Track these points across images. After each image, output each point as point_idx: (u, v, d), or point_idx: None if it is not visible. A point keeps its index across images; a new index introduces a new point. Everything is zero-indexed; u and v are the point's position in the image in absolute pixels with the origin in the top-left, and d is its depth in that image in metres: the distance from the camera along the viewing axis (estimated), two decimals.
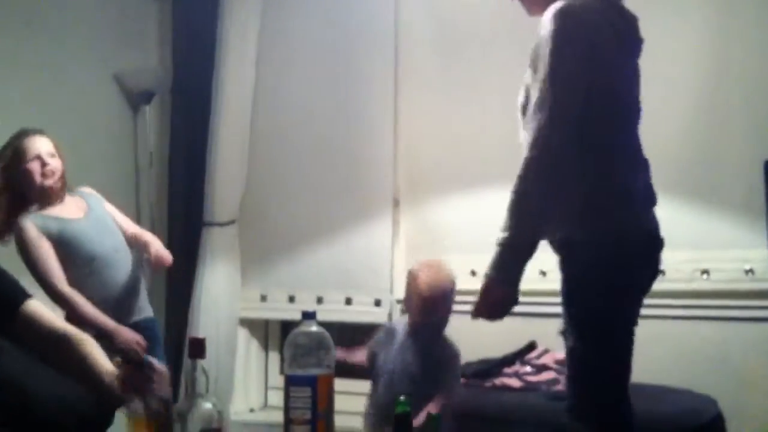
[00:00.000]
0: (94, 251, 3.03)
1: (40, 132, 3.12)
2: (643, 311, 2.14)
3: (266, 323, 4.34)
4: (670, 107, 3.25)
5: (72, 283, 2.94)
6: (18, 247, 2.97)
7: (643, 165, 2.16)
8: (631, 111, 2.13)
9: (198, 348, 1.65)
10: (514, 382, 3.09)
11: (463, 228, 3.72)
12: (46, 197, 3.05)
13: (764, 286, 2.95)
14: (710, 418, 2.74)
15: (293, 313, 3.70)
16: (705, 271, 3.27)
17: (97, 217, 3.15)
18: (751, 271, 3.19)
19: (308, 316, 1.88)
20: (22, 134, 3.07)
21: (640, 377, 3.00)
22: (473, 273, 3.69)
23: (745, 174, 3.12)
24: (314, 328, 1.86)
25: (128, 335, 2.90)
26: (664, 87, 3.29)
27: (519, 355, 3.25)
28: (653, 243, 2.11)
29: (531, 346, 3.28)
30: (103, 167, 4.03)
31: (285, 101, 4.14)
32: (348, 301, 3.93)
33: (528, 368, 3.15)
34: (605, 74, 2.02)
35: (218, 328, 3.97)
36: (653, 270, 2.13)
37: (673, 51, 3.30)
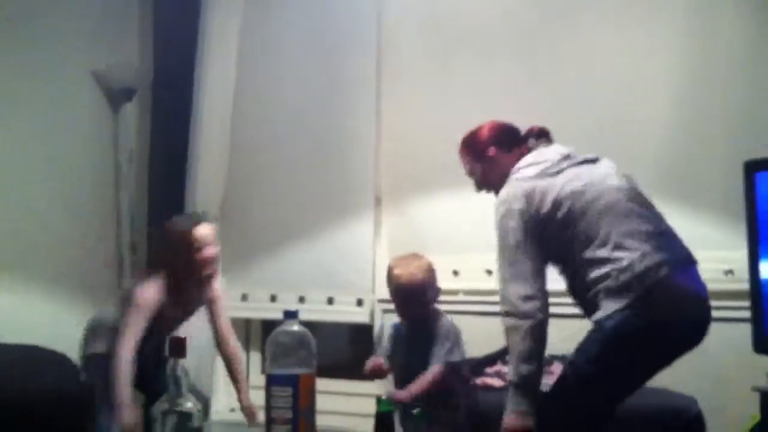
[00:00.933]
0: None
1: (206, 218, 3.21)
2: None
3: (248, 322, 4.32)
4: (651, 109, 3.27)
5: None
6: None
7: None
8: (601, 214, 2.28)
9: (179, 347, 1.64)
10: (496, 382, 3.10)
11: (446, 227, 3.72)
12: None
13: (743, 286, 2.96)
14: (691, 417, 2.76)
15: (275, 313, 3.69)
16: (729, 272, 3.27)
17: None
18: (730, 271, 3.21)
19: (290, 315, 1.88)
20: (194, 220, 3.14)
21: None
22: (455, 273, 3.71)
23: (725, 175, 3.14)
24: (296, 327, 1.86)
25: (125, 418, 2.85)
26: (644, 89, 3.31)
27: (501, 355, 3.25)
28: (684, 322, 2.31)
29: None
30: (83, 164, 4.01)
31: (266, 99, 4.13)
32: (330, 301, 3.92)
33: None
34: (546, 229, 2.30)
35: (199, 327, 3.94)
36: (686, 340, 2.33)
37: (653, 54, 3.33)
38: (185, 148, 4.07)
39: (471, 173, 2.62)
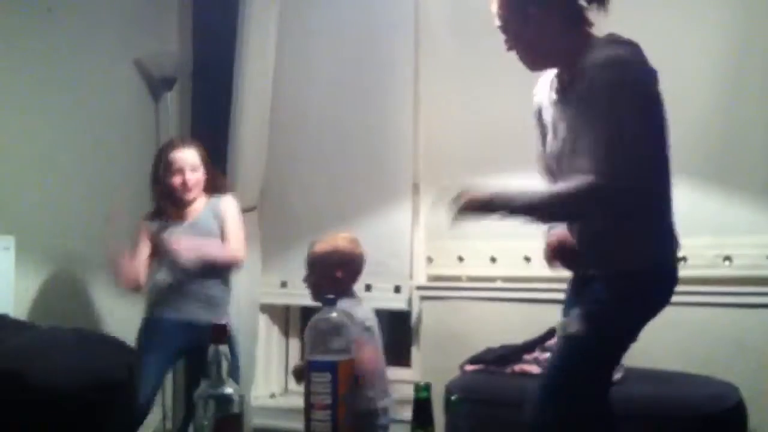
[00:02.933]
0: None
1: (187, 143, 3.42)
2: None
3: (287, 309, 4.36)
4: (691, 93, 3.22)
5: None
6: None
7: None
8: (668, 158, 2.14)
9: (220, 333, 1.67)
10: (535, 369, 3.09)
11: None
12: (179, 207, 3.37)
13: None
14: (733, 404, 2.73)
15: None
16: (727, 258, 3.24)
17: (194, 223, 3.38)
18: None
19: (329, 302, 1.89)
20: (174, 143, 3.42)
21: (661, 363, 3.01)
22: (493, 259, 3.70)
23: (765, 158, 3.09)
24: (334, 314, 1.87)
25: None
26: (685, 73, 3.26)
27: (539, 342, 3.24)
28: (674, 285, 2.16)
29: (551, 333, 3.26)
30: (125, 153, 4.06)
31: (305, 87, 4.14)
32: (368, 288, 3.93)
33: (548, 355, 3.14)
34: (658, 120, 2.06)
35: (239, 314, 3.99)
36: (665, 299, 2.16)
37: (691, 35, 3.27)
38: (225, 136, 4.11)
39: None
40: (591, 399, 2.12)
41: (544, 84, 2.29)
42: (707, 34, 3.26)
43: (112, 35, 4.06)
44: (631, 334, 2.13)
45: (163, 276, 3.32)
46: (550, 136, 2.22)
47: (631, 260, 2.08)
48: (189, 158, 3.38)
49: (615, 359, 2.21)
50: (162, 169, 3.36)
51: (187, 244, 3.21)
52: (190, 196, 3.38)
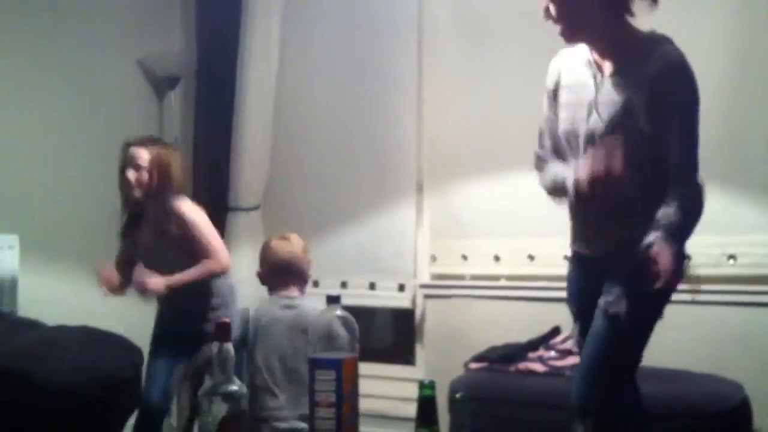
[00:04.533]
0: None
1: (144, 142, 3.25)
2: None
3: None
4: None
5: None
6: None
7: None
8: None
9: (223, 331, 1.67)
10: (539, 367, 3.09)
11: (487, 213, 3.71)
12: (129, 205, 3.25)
13: None
14: (737, 403, 2.72)
15: (317, 298, 3.72)
16: (732, 256, 3.24)
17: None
18: None
19: (333, 300, 1.89)
20: (136, 140, 3.27)
21: (666, 362, 3.01)
22: (497, 258, 3.70)
23: None
24: (339, 312, 1.87)
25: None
26: None
27: (543, 340, 3.24)
28: None
29: (555, 331, 3.28)
30: None
31: (308, 86, 4.15)
32: (372, 286, 3.94)
33: (552, 353, 3.15)
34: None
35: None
36: None
37: (698, 36, 3.26)
38: (229, 135, 4.11)
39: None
40: (635, 381, 2.13)
41: (570, 62, 2.28)
42: (711, 34, 3.26)
43: (115, 35, 4.07)
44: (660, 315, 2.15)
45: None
46: (576, 114, 2.21)
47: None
48: (142, 156, 3.19)
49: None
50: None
51: (157, 281, 3.10)
52: (136, 195, 3.18)
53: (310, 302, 2.96)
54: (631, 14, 2.17)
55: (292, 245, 3.06)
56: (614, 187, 2.04)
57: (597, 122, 2.16)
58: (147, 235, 3.23)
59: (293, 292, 3.00)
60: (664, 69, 2.08)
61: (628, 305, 2.08)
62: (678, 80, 2.10)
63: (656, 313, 2.12)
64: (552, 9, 2.16)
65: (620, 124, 2.11)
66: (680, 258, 2.04)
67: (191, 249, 3.15)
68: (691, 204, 2.11)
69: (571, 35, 2.19)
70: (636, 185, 2.07)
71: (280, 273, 3.02)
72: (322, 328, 1.87)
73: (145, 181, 3.16)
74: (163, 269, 3.12)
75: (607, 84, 2.17)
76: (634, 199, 2.11)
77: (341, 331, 1.85)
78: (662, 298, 2.10)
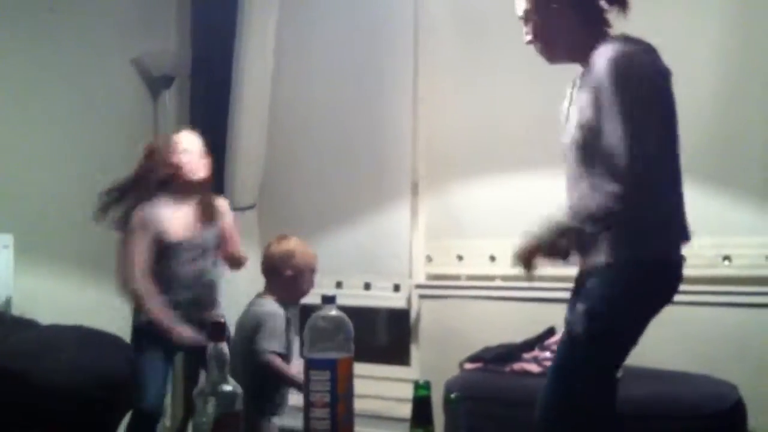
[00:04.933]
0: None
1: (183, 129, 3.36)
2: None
3: None
4: (692, 93, 3.21)
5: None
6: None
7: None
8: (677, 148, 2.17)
9: (218, 331, 1.66)
10: (534, 367, 3.09)
11: (483, 213, 3.72)
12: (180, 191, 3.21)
13: None
14: (731, 404, 2.73)
15: (312, 297, 3.71)
16: (727, 257, 3.25)
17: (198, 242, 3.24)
18: None
19: (328, 300, 1.88)
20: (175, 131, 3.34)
21: (661, 362, 3.01)
22: (492, 258, 3.70)
23: (765, 159, 3.09)
24: (334, 312, 1.87)
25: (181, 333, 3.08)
26: (685, 73, 3.24)
27: (538, 341, 3.24)
28: (677, 280, 2.15)
29: (550, 332, 3.28)
30: (123, 151, 4.04)
31: (304, 85, 4.14)
32: (367, 286, 3.94)
33: (547, 353, 3.15)
34: (665, 116, 2.10)
35: (238, 311, 3.99)
36: (670, 295, 2.15)
37: (695, 36, 3.27)
38: (224, 134, 4.11)
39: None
40: (593, 400, 2.11)
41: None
42: (708, 36, 3.26)
43: (111, 34, 4.07)
44: (633, 331, 2.12)
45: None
46: (564, 129, 2.26)
47: (634, 251, 2.07)
48: (197, 143, 3.26)
49: (619, 357, 2.18)
50: (165, 150, 3.22)
51: (193, 337, 3.12)
52: (198, 176, 3.21)
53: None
54: (608, 26, 2.21)
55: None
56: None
57: (567, 135, 2.21)
58: (186, 223, 3.20)
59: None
60: (600, 66, 2.06)
61: (587, 325, 2.10)
62: (610, 73, 2.03)
63: (618, 333, 2.10)
64: (530, 35, 2.24)
65: (579, 134, 2.12)
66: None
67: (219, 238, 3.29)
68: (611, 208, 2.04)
69: (550, 57, 2.25)
70: (607, 195, 2.05)
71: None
72: (317, 328, 1.87)
73: (205, 165, 3.21)
74: (201, 259, 3.21)
75: (575, 96, 2.21)
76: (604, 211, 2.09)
77: (336, 332, 1.85)
78: (627, 318, 2.08)
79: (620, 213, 2.03)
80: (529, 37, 2.25)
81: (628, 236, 2.07)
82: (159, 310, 3.11)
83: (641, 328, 2.12)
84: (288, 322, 3.06)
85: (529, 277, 2.20)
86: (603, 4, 2.20)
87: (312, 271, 3.16)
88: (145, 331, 3.18)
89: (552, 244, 2.15)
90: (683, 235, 2.16)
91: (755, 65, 3.21)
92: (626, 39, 2.13)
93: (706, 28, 3.27)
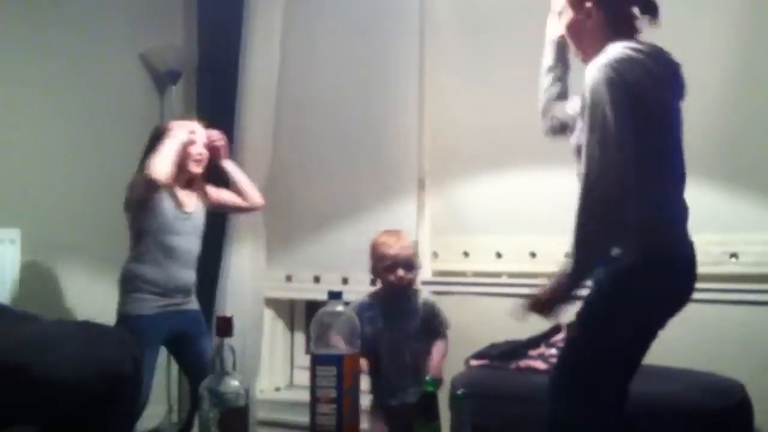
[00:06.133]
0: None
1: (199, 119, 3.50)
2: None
3: (292, 303, 4.37)
4: (698, 91, 3.20)
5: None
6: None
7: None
8: (679, 146, 2.17)
9: (225, 327, 1.67)
10: (539, 365, 3.09)
11: (489, 209, 3.71)
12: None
13: None
14: (737, 401, 2.72)
15: (319, 294, 3.72)
16: (733, 255, 3.24)
17: (191, 217, 3.35)
18: None
19: (334, 296, 1.89)
20: (182, 118, 3.51)
21: (667, 360, 3.00)
22: (498, 255, 3.70)
23: None
24: (340, 307, 1.87)
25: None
26: (692, 70, 3.25)
27: (544, 338, 3.24)
28: (690, 269, 2.15)
29: (556, 329, 3.27)
30: (130, 146, 4.04)
31: (310, 81, 4.14)
32: (373, 282, 3.93)
33: (553, 350, 3.15)
34: (649, 122, 2.08)
35: (244, 307, 4.00)
36: (681, 295, 2.15)
37: (703, 34, 3.26)
38: (230, 129, 4.10)
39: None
40: (594, 404, 2.10)
41: None
42: (715, 33, 3.26)
43: (117, 29, 4.07)
44: (640, 333, 2.11)
45: (147, 270, 3.27)
46: None
47: (638, 249, 2.07)
48: (202, 133, 3.41)
49: (627, 360, 2.16)
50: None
51: None
52: (199, 170, 3.38)
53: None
54: (638, 32, 2.23)
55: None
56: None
57: (573, 137, 2.25)
58: (182, 224, 3.31)
59: None
60: (587, 73, 2.09)
61: (582, 329, 2.11)
62: (591, 80, 2.06)
63: (617, 337, 2.09)
64: (562, 30, 2.31)
65: (576, 140, 2.17)
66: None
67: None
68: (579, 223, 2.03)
69: (582, 56, 2.28)
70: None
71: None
72: (323, 323, 1.87)
73: (204, 159, 3.38)
74: (194, 238, 3.35)
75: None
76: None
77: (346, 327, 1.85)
78: (625, 321, 2.07)
79: (584, 225, 2.02)
80: (560, 32, 2.33)
81: (612, 242, 2.07)
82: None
83: (641, 333, 2.11)
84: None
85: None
86: (635, 11, 2.23)
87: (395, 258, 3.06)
88: (134, 319, 3.19)
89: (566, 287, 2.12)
90: (681, 241, 2.15)
91: (762, 63, 3.20)
92: (627, 43, 2.13)
93: (712, 27, 3.26)
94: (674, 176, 2.16)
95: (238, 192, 3.52)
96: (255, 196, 3.55)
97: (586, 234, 2.02)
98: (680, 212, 2.16)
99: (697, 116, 3.13)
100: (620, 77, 2.02)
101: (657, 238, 2.09)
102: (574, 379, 2.12)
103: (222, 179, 3.54)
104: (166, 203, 3.24)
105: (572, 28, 2.27)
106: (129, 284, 3.23)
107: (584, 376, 2.10)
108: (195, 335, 3.32)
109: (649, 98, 2.07)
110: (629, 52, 2.07)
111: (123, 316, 3.21)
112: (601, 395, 2.10)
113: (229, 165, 3.52)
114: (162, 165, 3.14)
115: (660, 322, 2.13)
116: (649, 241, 2.07)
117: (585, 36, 2.25)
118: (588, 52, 2.22)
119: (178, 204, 3.29)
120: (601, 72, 2.04)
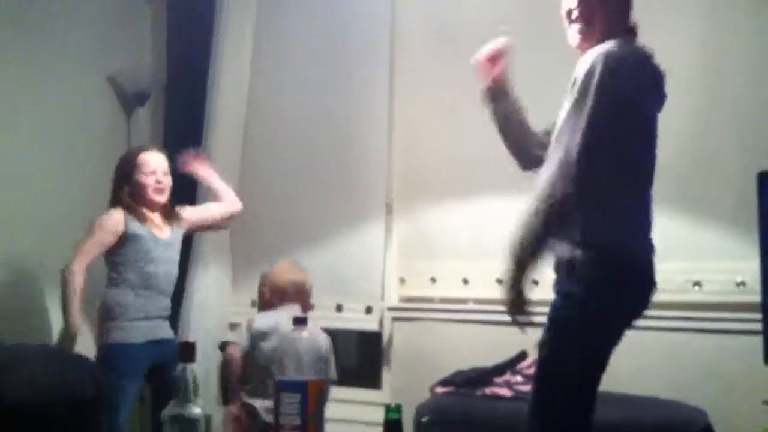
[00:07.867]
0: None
1: (158, 148, 3.49)
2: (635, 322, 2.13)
3: None
4: (663, 119, 3.26)
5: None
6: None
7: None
8: (653, 154, 2.21)
9: (188, 352, 1.65)
10: (505, 392, 3.08)
11: (457, 235, 3.72)
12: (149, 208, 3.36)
13: (755, 298, 2.94)
14: (700, 429, 2.74)
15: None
16: (697, 283, 3.27)
17: (169, 243, 3.40)
18: (742, 283, 3.20)
19: (299, 321, 1.88)
20: (143, 148, 3.47)
21: (630, 388, 3.02)
22: (465, 281, 3.70)
23: (737, 186, 3.13)
24: (305, 334, 1.86)
25: (73, 327, 3.15)
26: None
27: (510, 365, 3.24)
28: (651, 274, 2.14)
29: (522, 356, 3.27)
30: (97, 168, 4.01)
31: (278, 103, 4.14)
32: (339, 308, 3.92)
33: (519, 378, 3.15)
34: (641, 115, 2.15)
35: (208, 332, 3.95)
36: (643, 300, 2.14)
37: (667, 62, 3.30)
38: (198, 151, 4.08)
39: None
40: (576, 418, 2.10)
41: None
42: (682, 59, 3.30)
43: (84, 50, 4.03)
44: (608, 344, 2.11)
45: (125, 298, 3.25)
46: None
47: (595, 247, 2.08)
48: (162, 162, 3.39)
49: (599, 371, 2.14)
50: (132, 169, 3.34)
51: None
52: (162, 199, 3.37)
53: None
54: (635, 34, 2.27)
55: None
56: None
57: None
58: (161, 249, 3.34)
59: None
60: (585, 60, 2.11)
61: (551, 344, 2.11)
62: (581, 69, 2.08)
63: (583, 352, 2.09)
64: (575, 12, 2.24)
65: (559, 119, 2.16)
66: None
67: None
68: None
69: (585, 37, 2.23)
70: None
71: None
72: (290, 350, 1.85)
73: (166, 188, 3.38)
74: (171, 266, 3.38)
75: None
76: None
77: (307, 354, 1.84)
78: (585, 335, 2.08)
79: (548, 198, 2.02)
80: (575, 15, 2.25)
81: (591, 232, 2.07)
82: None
83: (609, 343, 2.10)
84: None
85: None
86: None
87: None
88: (115, 353, 3.16)
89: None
90: (646, 239, 2.16)
91: (727, 90, 3.25)
92: (619, 43, 2.14)
93: (679, 53, 3.31)
94: (644, 184, 2.18)
95: (217, 197, 3.62)
96: (234, 198, 3.65)
97: (550, 205, 2.03)
98: (645, 222, 2.17)
99: (663, 143, 3.19)
100: (617, 72, 2.04)
101: (622, 248, 2.09)
102: (555, 395, 2.12)
103: None
104: (141, 232, 3.25)
105: (586, 10, 2.23)
106: (109, 313, 3.23)
107: (564, 392, 2.10)
108: (172, 364, 3.27)
109: (636, 100, 2.11)
110: (619, 49, 2.09)
111: (106, 346, 3.20)
112: (582, 408, 2.11)
113: (203, 171, 3.61)
114: (71, 319, 3.15)
115: (626, 326, 2.13)
116: (614, 251, 2.07)
117: (594, 19, 2.22)
118: (591, 37, 2.22)
119: (153, 233, 3.30)
120: (602, 61, 2.05)
